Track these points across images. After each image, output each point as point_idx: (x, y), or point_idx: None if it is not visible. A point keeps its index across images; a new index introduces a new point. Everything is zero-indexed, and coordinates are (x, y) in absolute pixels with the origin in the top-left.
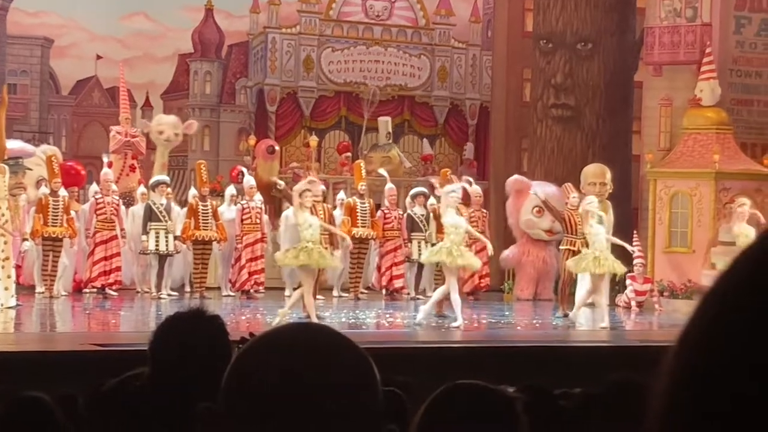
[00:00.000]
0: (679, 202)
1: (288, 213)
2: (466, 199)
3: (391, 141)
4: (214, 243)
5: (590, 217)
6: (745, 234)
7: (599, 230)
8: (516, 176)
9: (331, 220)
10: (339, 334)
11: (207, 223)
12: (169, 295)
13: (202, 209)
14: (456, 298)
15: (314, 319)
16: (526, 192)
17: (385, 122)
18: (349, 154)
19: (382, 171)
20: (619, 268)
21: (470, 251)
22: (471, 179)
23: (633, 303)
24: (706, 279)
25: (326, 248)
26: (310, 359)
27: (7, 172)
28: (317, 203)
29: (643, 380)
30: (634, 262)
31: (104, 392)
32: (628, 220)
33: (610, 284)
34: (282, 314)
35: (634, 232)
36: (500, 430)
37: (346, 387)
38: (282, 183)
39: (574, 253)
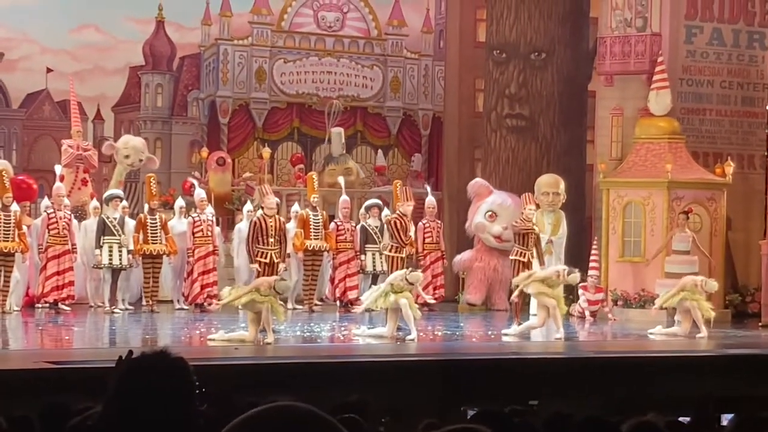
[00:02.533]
0: (632, 211)
1: (241, 226)
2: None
3: (344, 151)
4: (164, 256)
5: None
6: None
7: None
8: (476, 179)
9: (283, 233)
10: (323, 418)
11: (156, 236)
12: (126, 309)
13: (151, 223)
14: (409, 313)
15: (270, 333)
16: (485, 195)
17: (338, 134)
18: (302, 166)
19: (341, 180)
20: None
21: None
22: (428, 189)
23: (587, 313)
24: (660, 288)
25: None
26: None
27: None
28: (269, 216)
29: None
30: (589, 273)
31: (65, 429)
32: (582, 229)
33: (564, 294)
34: (224, 337)
35: (594, 240)
36: None
37: None
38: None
39: (524, 264)
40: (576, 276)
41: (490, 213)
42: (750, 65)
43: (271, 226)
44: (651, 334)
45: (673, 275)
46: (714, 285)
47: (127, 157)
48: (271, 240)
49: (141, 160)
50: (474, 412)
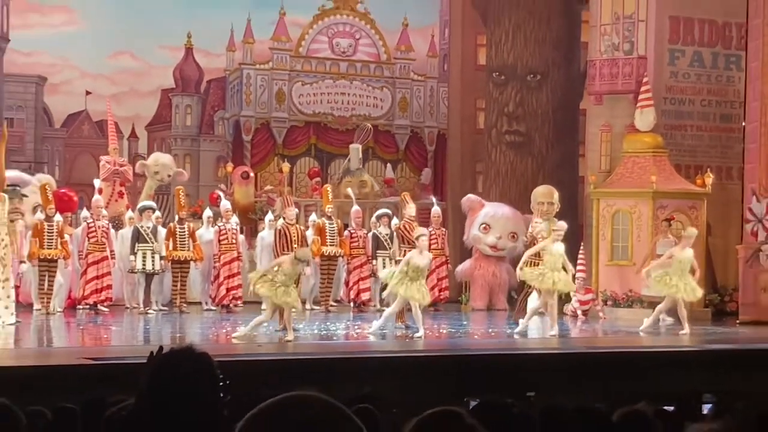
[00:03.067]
0: (620, 219)
1: (263, 234)
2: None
3: (362, 166)
4: (192, 262)
5: (553, 239)
6: (679, 259)
7: (555, 250)
8: (468, 195)
9: (303, 240)
10: (335, 406)
11: (184, 244)
12: (160, 309)
13: (180, 231)
14: (417, 312)
15: (290, 331)
16: (478, 209)
17: (357, 149)
18: (319, 179)
19: (350, 191)
20: (563, 285)
21: (425, 287)
22: (434, 200)
23: (579, 312)
24: (645, 289)
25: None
26: (309, 431)
27: (7, 200)
28: (291, 225)
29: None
30: (576, 275)
31: (103, 419)
32: (575, 235)
33: (558, 295)
34: (241, 332)
35: (581, 245)
36: None
37: None
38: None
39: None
40: (563, 223)
41: (483, 225)
42: (727, 85)
43: (294, 233)
44: (641, 331)
45: None
46: (693, 231)
47: (156, 173)
48: (295, 246)
49: (169, 175)
50: (476, 402)
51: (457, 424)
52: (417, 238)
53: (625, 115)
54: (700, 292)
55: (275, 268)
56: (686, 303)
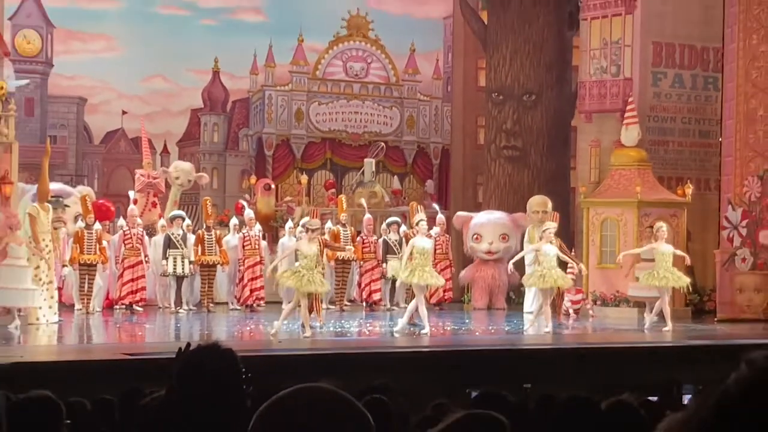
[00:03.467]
0: (608, 226)
1: (284, 240)
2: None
3: (374, 179)
4: (218, 265)
5: (545, 240)
6: (661, 252)
7: (549, 250)
8: (457, 214)
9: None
10: (343, 396)
11: (211, 249)
12: (189, 309)
13: (207, 238)
14: (423, 310)
15: (308, 328)
16: (468, 222)
17: (370, 163)
18: (334, 190)
19: (362, 201)
20: (563, 281)
21: (434, 270)
22: (438, 208)
23: (571, 311)
24: (632, 290)
25: (322, 272)
26: (319, 419)
27: (51, 210)
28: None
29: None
30: (569, 271)
31: (137, 408)
32: (567, 241)
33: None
34: (277, 327)
35: (572, 250)
36: None
37: None
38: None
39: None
40: (552, 223)
41: (475, 235)
42: (706, 104)
43: None
44: (646, 330)
45: None
46: (660, 224)
47: (177, 178)
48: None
49: (190, 181)
50: (477, 393)
51: None
52: (417, 224)
53: (612, 131)
54: (687, 279)
55: (295, 253)
56: (671, 300)
